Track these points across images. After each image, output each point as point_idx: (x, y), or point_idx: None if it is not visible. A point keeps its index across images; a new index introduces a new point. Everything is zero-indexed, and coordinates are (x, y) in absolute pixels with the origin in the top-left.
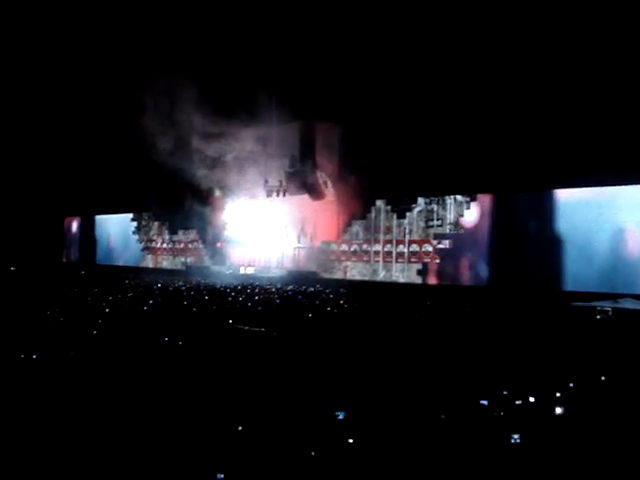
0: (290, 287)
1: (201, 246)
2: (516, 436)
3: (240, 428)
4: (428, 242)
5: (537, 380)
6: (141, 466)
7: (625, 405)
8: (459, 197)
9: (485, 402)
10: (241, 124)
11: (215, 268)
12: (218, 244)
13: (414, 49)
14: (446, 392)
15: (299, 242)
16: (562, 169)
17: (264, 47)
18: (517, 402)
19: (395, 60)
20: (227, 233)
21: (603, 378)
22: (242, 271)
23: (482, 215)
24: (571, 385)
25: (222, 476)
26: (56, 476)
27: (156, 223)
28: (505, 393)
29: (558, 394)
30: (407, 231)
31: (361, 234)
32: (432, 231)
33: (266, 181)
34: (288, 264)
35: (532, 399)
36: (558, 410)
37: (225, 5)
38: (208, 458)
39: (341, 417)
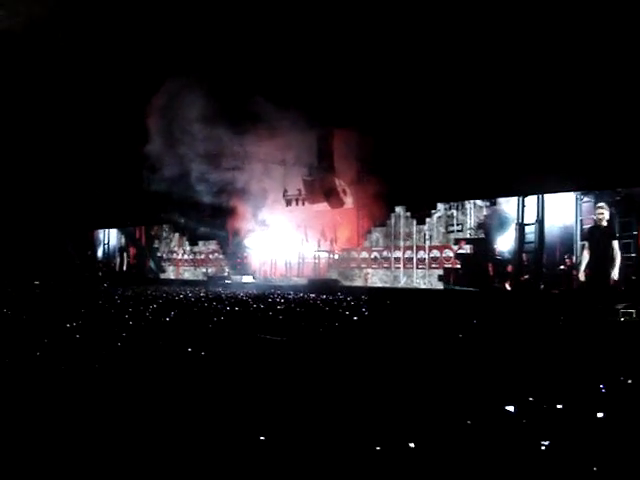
0: (311, 295)
1: (221, 256)
2: (546, 442)
3: (262, 438)
4: (449, 247)
5: (563, 385)
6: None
7: None
8: (479, 202)
9: (511, 408)
10: (259, 134)
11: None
12: (238, 260)
13: (432, 55)
14: (471, 398)
15: (319, 250)
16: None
17: (280, 54)
18: (544, 407)
19: (413, 66)
20: (247, 244)
21: (630, 381)
22: (244, 280)
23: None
24: (601, 388)
25: None
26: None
27: (176, 234)
28: (531, 399)
29: (586, 398)
30: (427, 237)
31: (381, 241)
32: (452, 236)
33: (285, 191)
34: (308, 272)
35: (559, 405)
36: (589, 414)
37: (241, 12)
38: (227, 465)
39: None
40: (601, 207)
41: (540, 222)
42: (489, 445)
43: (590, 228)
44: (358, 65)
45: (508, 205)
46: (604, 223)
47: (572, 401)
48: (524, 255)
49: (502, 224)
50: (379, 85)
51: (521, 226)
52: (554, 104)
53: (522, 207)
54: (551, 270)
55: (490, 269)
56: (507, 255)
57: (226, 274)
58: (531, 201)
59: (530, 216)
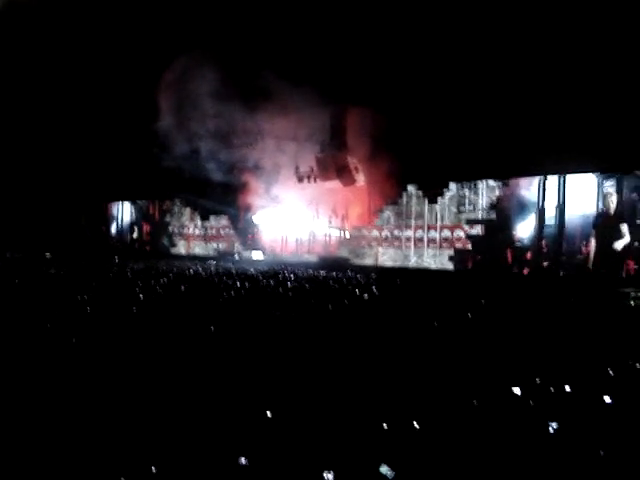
0: (322, 272)
1: (232, 232)
2: (554, 425)
3: (269, 414)
4: (460, 227)
5: (572, 367)
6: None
7: None
8: (491, 182)
9: (517, 390)
10: (271, 110)
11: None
12: (249, 236)
13: (446, 34)
14: (478, 379)
15: (330, 227)
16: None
17: (294, 31)
18: (552, 390)
19: (426, 43)
20: (257, 220)
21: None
22: (253, 256)
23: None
24: (610, 372)
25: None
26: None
27: (188, 209)
28: (538, 381)
29: (594, 381)
30: (439, 217)
31: (392, 219)
32: (464, 216)
33: (297, 167)
34: (319, 249)
35: (567, 388)
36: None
37: None
38: (232, 443)
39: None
40: (610, 194)
41: (561, 207)
42: (495, 426)
43: (598, 215)
44: (371, 42)
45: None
46: (612, 210)
47: (579, 384)
48: (543, 241)
49: (520, 207)
50: (392, 63)
51: (541, 211)
52: (573, 81)
53: (543, 191)
54: (570, 258)
55: (508, 255)
56: (525, 241)
57: (236, 250)
58: (552, 184)
59: (550, 201)
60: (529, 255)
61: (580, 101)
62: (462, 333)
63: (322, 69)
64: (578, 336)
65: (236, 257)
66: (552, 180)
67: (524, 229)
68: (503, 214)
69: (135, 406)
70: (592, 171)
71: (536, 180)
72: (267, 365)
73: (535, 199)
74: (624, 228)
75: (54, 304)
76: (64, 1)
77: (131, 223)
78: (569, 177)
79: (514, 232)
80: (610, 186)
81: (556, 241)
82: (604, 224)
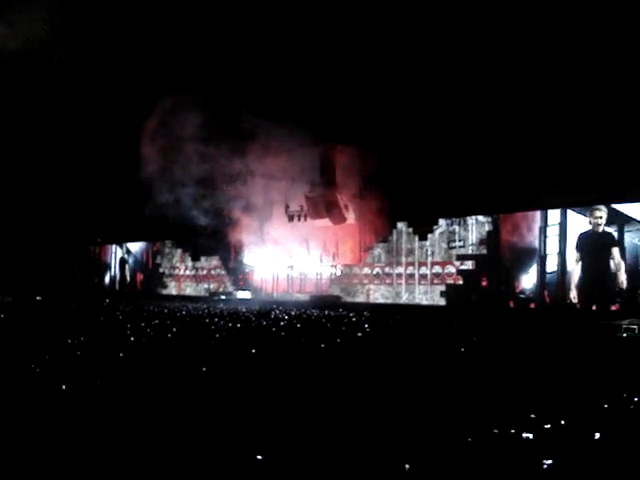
0: (314, 311)
1: (223, 272)
2: (548, 461)
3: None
4: (451, 264)
5: (566, 402)
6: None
7: None
8: (481, 217)
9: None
10: (261, 151)
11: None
12: (240, 276)
13: (431, 71)
14: (472, 415)
15: (321, 266)
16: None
17: (281, 70)
18: (546, 426)
19: (414, 83)
20: (248, 260)
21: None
22: (239, 296)
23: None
24: (605, 406)
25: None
26: None
27: (179, 250)
28: (533, 416)
29: (589, 416)
30: (429, 253)
31: (383, 257)
32: (454, 252)
33: (287, 206)
34: (310, 288)
35: (563, 422)
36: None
37: (241, 27)
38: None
39: None
40: (598, 209)
41: (562, 254)
42: (490, 463)
43: (583, 235)
44: (359, 82)
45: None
46: (600, 229)
47: (574, 419)
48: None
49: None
50: (381, 102)
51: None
52: (555, 119)
53: (544, 238)
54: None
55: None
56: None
57: (222, 291)
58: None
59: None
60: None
61: (565, 137)
62: (454, 369)
63: (311, 109)
64: (572, 369)
65: (222, 297)
66: (553, 227)
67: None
68: (502, 264)
69: (125, 446)
70: (582, 205)
71: (536, 226)
72: (259, 406)
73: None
74: (616, 252)
75: (44, 348)
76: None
77: (121, 265)
78: (570, 221)
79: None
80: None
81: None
82: (590, 247)
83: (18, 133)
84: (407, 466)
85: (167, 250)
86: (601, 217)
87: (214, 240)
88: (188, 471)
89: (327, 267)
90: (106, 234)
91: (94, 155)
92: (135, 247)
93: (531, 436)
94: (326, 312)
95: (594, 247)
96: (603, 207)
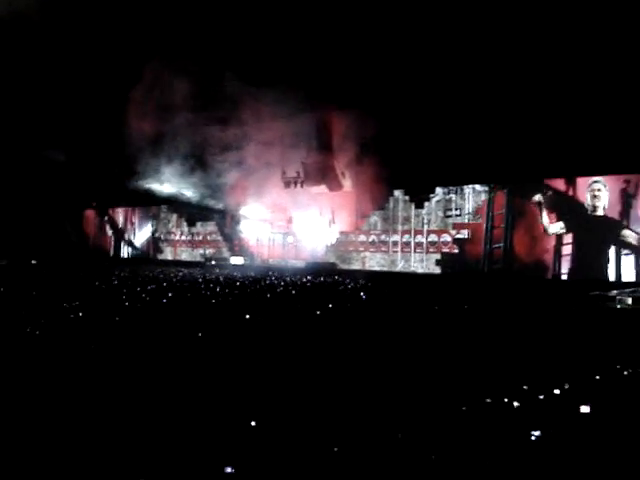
0: (309, 278)
1: (219, 238)
2: (537, 432)
3: (253, 423)
4: (447, 232)
5: (555, 372)
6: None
7: None
8: (477, 186)
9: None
10: (256, 116)
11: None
12: (236, 242)
13: (432, 36)
14: (462, 386)
15: (317, 233)
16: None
17: (277, 35)
18: (539, 396)
19: (413, 48)
20: (244, 226)
21: (627, 372)
22: (233, 262)
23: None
24: (597, 377)
25: (230, 470)
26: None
27: (174, 215)
28: (525, 387)
29: (577, 386)
30: (425, 221)
31: (379, 224)
32: (451, 221)
33: (283, 172)
34: (306, 255)
35: (555, 392)
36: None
37: None
38: (216, 451)
39: None
40: (597, 182)
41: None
42: (482, 432)
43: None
44: (360, 47)
45: None
46: (600, 210)
47: (565, 389)
48: None
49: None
50: (380, 67)
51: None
52: (553, 87)
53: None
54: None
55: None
56: None
57: (214, 256)
58: None
59: None
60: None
61: (559, 108)
62: (447, 338)
63: (309, 73)
64: (563, 340)
65: (213, 262)
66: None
67: None
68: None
69: (122, 410)
70: (579, 175)
71: None
72: (255, 369)
73: None
74: (630, 235)
75: (42, 312)
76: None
77: (118, 230)
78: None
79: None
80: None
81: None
82: (583, 228)
83: (15, 92)
84: (400, 435)
85: (163, 215)
86: (599, 190)
87: (211, 206)
88: (183, 435)
89: (323, 234)
90: (101, 199)
91: (90, 120)
92: (130, 212)
93: (520, 405)
94: (321, 279)
95: (589, 228)
96: (603, 181)
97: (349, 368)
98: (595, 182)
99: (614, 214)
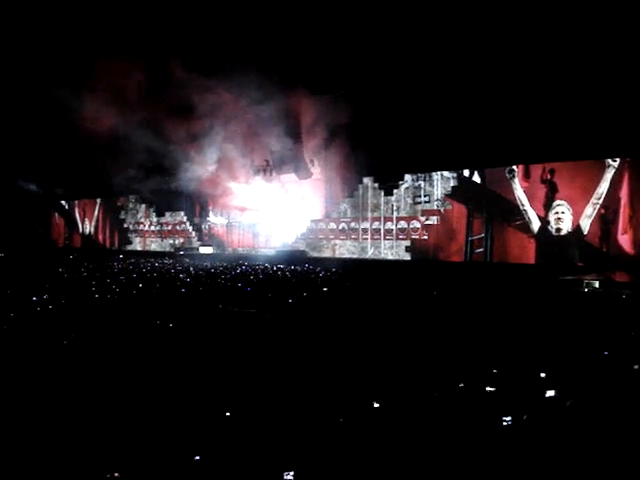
0: (280, 266)
1: (189, 228)
2: (508, 418)
3: (228, 414)
4: (416, 219)
5: (524, 357)
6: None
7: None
8: (446, 173)
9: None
10: (226, 102)
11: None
12: (205, 231)
13: (401, 21)
14: (435, 371)
15: (285, 221)
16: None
17: (249, 20)
18: (508, 381)
19: (382, 32)
20: (214, 215)
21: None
22: (202, 251)
23: None
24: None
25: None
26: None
27: (143, 205)
28: (495, 371)
29: (545, 373)
30: (395, 208)
31: (349, 212)
32: (420, 207)
33: (252, 160)
34: (276, 243)
35: (526, 377)
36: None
37: None
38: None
39: None
40: (561, 205)
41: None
42: (455, 417)
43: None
44: (329, 31)
45: None
46: (564, 232)
47: (537, 375)
48: None
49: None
50: (350, 52)
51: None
52: (522, 74)
53: None
54: None
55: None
56: None
57: (182, 246)
58: None
59: None
60: None
61: (533, 93)
62: (418, 323)
63: (278, 59)
64: (531, 326)
65: (181, 252)
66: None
67: None
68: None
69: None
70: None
71: None
72: (228, 361)
73: None
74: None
75: (9, 305)
76: None
77: (85, 221)
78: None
79: None
80: None
81: None
82: None
83: None
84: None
85: (131, 205)
86: (563, 212)
87: (177, 196)
88: (159, 424)
89: (293, 222)
90: (68, 191)
91: (49, 112)
92: (98, 203)
93: (493, 390)
94: (292, 267)
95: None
96: (565, 203)
97: (318, 356)
98: (559, 205)
99: (594, 240)
